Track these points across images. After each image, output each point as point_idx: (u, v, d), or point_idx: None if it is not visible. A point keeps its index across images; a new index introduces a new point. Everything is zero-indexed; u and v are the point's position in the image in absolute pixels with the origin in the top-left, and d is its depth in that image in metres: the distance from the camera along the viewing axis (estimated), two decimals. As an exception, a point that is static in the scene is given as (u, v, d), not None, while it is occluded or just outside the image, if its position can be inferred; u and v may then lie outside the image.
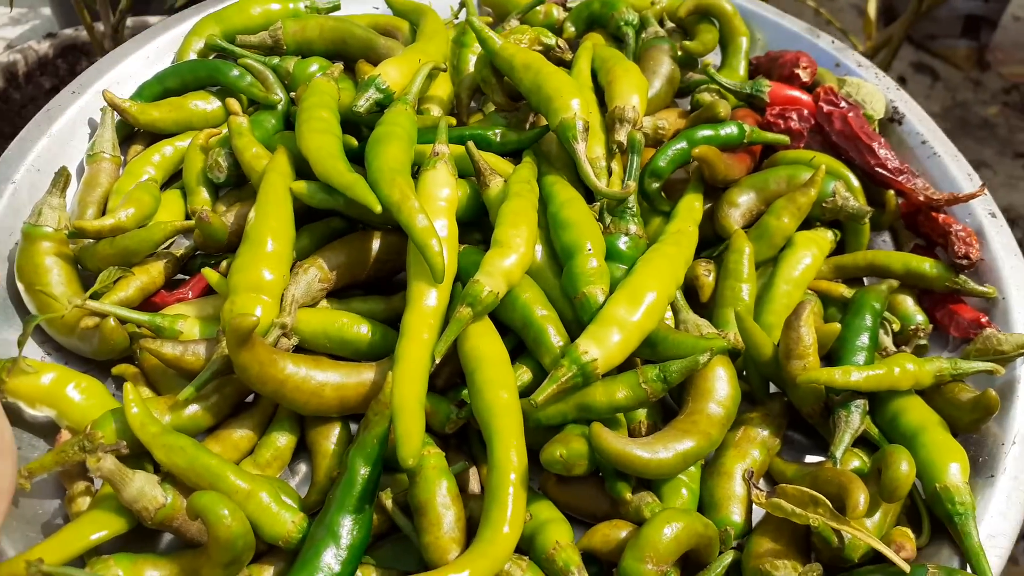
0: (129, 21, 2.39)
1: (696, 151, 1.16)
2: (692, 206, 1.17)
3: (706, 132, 1.19)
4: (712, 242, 1.19)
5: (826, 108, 1.24)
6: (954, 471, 0.93)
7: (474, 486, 0.99)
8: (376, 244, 1.11)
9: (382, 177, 1.02)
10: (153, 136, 1.29)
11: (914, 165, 1.27)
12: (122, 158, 1.26)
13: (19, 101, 2.36)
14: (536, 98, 1.16)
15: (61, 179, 1.13)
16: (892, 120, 1.33)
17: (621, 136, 1.16)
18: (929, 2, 1.95)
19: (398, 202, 1.00)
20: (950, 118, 3.27)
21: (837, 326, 1.04)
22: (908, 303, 1.15)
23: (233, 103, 1.24)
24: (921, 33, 3.54)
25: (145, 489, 0.88)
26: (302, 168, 1.12)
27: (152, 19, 2.49)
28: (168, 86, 1.31)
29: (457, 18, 1.51)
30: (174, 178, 1.27)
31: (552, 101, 1.13)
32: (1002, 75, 3.36)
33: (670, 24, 1.45)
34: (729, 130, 1.20)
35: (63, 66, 2.43)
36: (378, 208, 1.00)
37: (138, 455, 0.95)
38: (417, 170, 1.10)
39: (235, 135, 1.18)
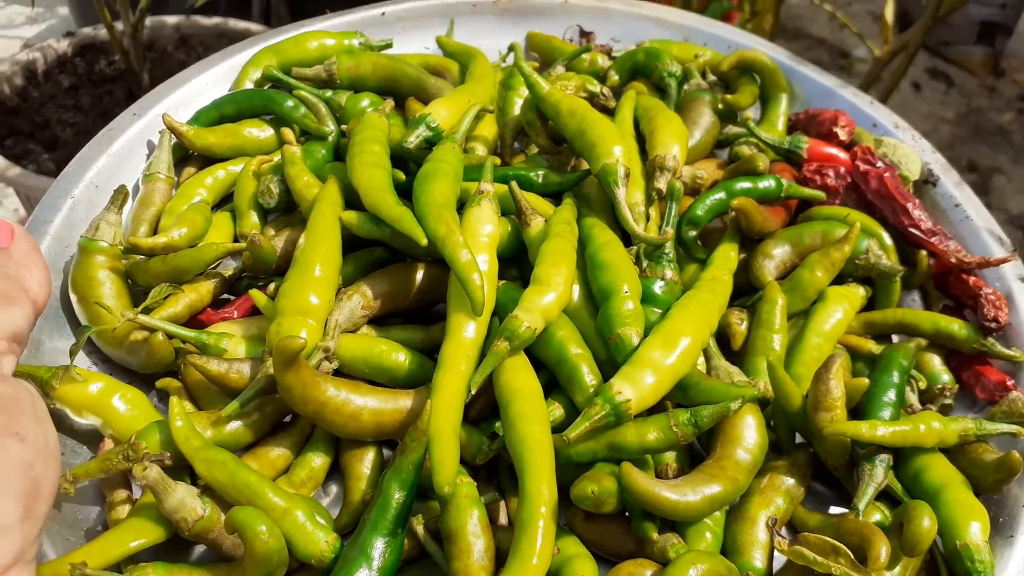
0: (147, 21, 2.45)
1: (735, 202, 1.19)
2: (728, 255, 1.19)
3: (745, 184, 1.22)
4: (746, 292, 1.22)
5: (863, 167, 1.27)
6: (975, 529, 0.95)
7: (502, 519, 1.01)
8: (419, 275, 1.15)
9: (429, 211, 1.06)
10: (206, 159, 1.34)
11: (947, 227, 1.29)
12: (176, 179, 1.31)
13: (38, 99, 2.41)
14: (580, 143, 1.20)
15: (120, 196, 1.17)
16: (927, 182, 1.35)
17: (661, 184, 1.19)
18: (946, 7, 1.96)
19: (443, 236, 1.03)
20: (964, 124, 3.29)
21: (865, 381, 1.05)
22: (935, 362, 1.17)
23: (288, 132, 1.28)
24: (936, 39, 3.56)
25: (186, 500, 0.91)
26: (350, 198, 1.16)
27: (170, 19, 2.56)
28: (224, 112, 1.36)
29: (504, 62, 1.56)
30: (224, 201, 1.31)
31: (595, 147, 1.17)
32: (1017, 82, 3.38)
33: (712, 77, 1.49)
34: (767, 183, 1.23)
35: (81, 65, 2.50)
36: (424, 241, 1.04)
37: (177, 468, 0.98)
38: (462, 206, 1.14)
39: (288, 163, 1.22)
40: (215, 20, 2.59)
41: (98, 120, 2.38)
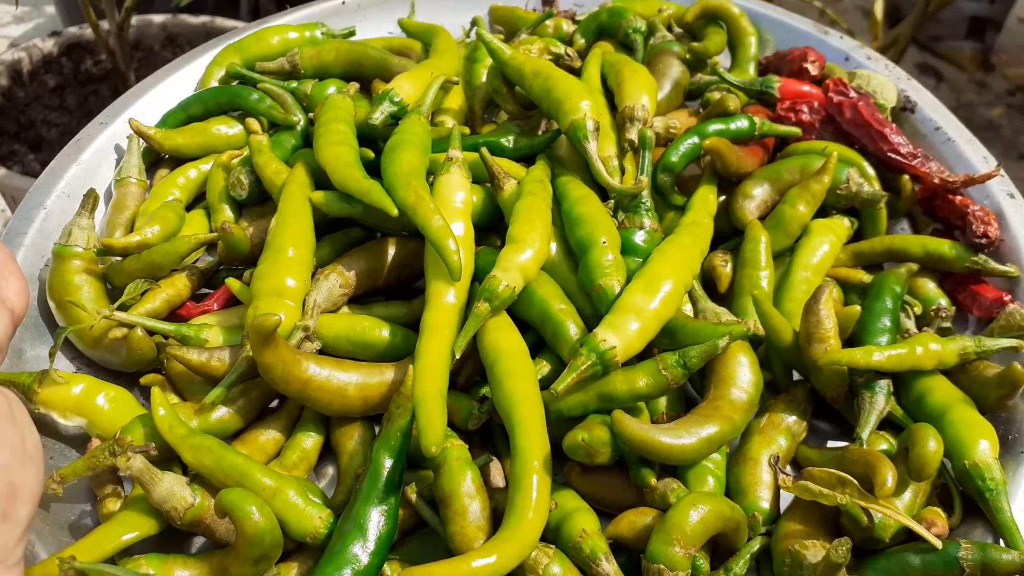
0: (134, 20, 2.43)
1: (707, 143, 1.17)
2: (707, 198, 1.17)
3: (717, 126, 1.20)
4: (728, 237, 1.20)
5: (836, 99, 1.25)
6: (983, 447, 0.92)
7: (498, 480, 0.99)
8: (394, 249, 1.13)
9: (397, 181, 1.05)
10: (178, 161, 1.33)
11: (930, 152, 1.26)
12: (148, 182, 1.30)
13: (23, 99, 2.40)
14: (547, 103, 1.18)
15: (90, 201, 1.16)
16: (904, 109, 1.33)
17: (632, 134, 1.17)
18: (935, 3, 1.95)
19: (413, 204, 1.02)
20: (955, 120, 3.28)
21: (857, 308, 1.03)
22: (929, 286, 1.15)
23: (253, 123, 1.27)
24: (926, 35, 3.53)
25: (174, 489, 0.89)
26: (321, 182, 1.15)
27: (157, 17, 2.54)
28: (191, 113, 1.35)
29: (469, 37, 1.55)
30: (198, 200, 1.30)
31: (562, 104, 1.15)
32: (1007, 77, 3.35)
33: (678, 30, 1.48)
34: (740, 123, 1.21)
35: (67, 64, 2.48)
36: (394, 211, 1.02)
37: (166, 459, 0.96)
38: (432, 177, 1.12)
39: (255, 153, 1.21)
40: (202, 19, 2.58)
41: (83, 120, 2.33)
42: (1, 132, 2.34)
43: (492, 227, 1.17)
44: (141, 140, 1.30)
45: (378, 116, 1.19)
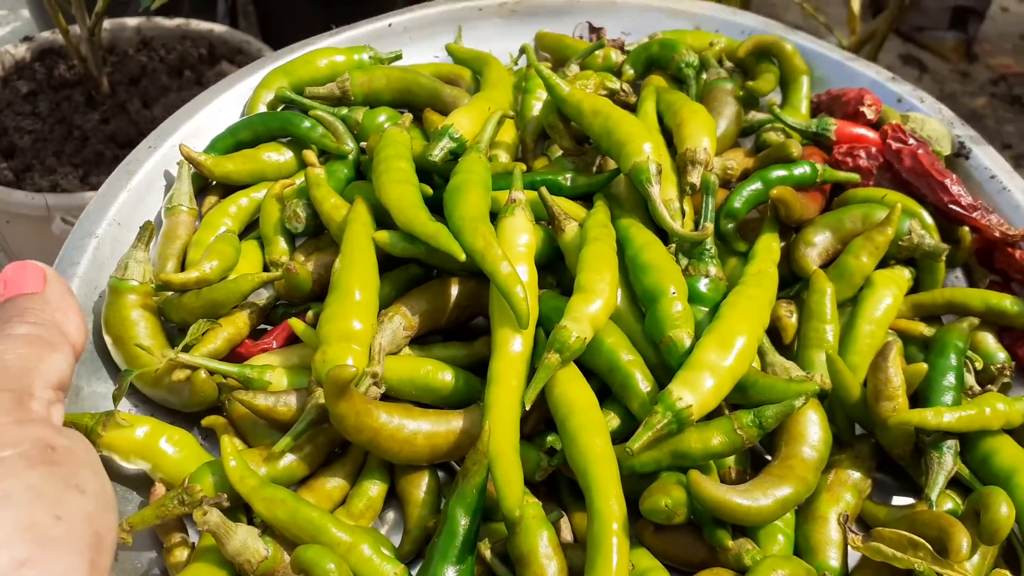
0: (107, 24, 2.40)
1: (774, 192, 1.16)
2: (770, 246, 1.17)
3: (780, 172, 1.20)
4: (788, 282, 1.20)
5: (895, 145, 1.25)
6: (1052, 512, 0.93)
7: (565, 534, 0.99)
8: (456, 290, 1.13)
9: (464, 226, 1.04)
10: (226, 187, 1.32)
11: (984, 200, 1.27)
12: (198, 210, 1.28)
13: None
14: (607, 143, 1.18)
15: (146, 233, 1.15)
16: (959, 155, 1.33)
17: (694, 178, 1.17)
18: None
19: (482, 250, 1.01)
20: (937, 109, 3.33)
21: (924, 366, 1.04)
22: (989, 340, 1.15)
23: (310, 155, 1.26)
24: (909, 25, 3.57)
25: (248, 542, 0.89)
26: (379, 217, 1.15)
27: (131, 21, 2.51)
28: (240, 138, 1.34)
29: (516, 65, 1.54)
30: (249, 228, 1.29)
31: (624, 146, 1.15)
32: (990, 66, 3.37)
33: (729, 64, 1.47)
34: (802, 170, 1.21)
35: (40, 70, 2.45)
36: (462, 256, 1.02)
37: (233, 508, 0.96)
38: (493, 216, 1.11)
39: (313, 186, 1.20)
40: (177, 21, 2.55)
41: (56, 127, 2.33)
42: (-26, 141, 2.31)
43: (549, 266, 1.17)
44: (190, 166, 1.29)
45: (438, 153, 1.19)
